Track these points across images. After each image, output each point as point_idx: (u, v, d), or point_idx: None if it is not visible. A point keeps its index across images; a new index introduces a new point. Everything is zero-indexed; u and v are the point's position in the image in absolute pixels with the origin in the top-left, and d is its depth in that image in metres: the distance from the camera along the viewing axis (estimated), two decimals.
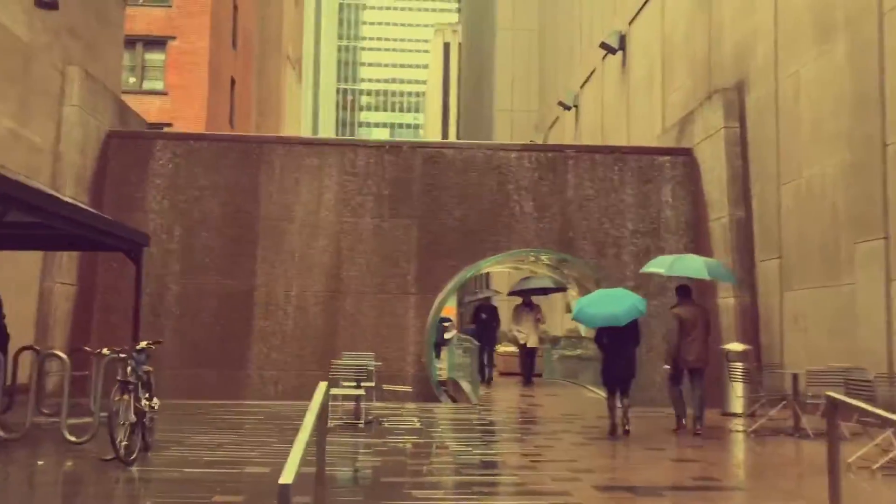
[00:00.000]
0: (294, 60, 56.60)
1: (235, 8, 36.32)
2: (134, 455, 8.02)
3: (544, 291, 21.70)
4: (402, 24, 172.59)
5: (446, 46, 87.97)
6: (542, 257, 17.92)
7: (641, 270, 14.46)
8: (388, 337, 16.67)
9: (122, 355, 8.15)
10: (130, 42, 30.69)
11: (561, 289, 21.04)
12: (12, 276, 14.26)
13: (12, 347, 11.38)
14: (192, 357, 16.54)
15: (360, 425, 11.14)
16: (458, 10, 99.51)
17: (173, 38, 31.81)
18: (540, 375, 21.41)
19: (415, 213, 17.27)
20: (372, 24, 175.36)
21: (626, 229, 17.16)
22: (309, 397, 13.83)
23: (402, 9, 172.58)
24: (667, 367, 11.86)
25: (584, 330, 23.62)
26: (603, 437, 11.03)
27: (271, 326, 16.76)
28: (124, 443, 8.15)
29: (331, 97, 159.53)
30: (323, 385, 5.21)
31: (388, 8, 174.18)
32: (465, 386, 16.11)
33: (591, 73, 28.89)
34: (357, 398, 11.46)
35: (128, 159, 17.34)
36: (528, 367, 19.71)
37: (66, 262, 15.61)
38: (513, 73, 43.43)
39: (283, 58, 49.06)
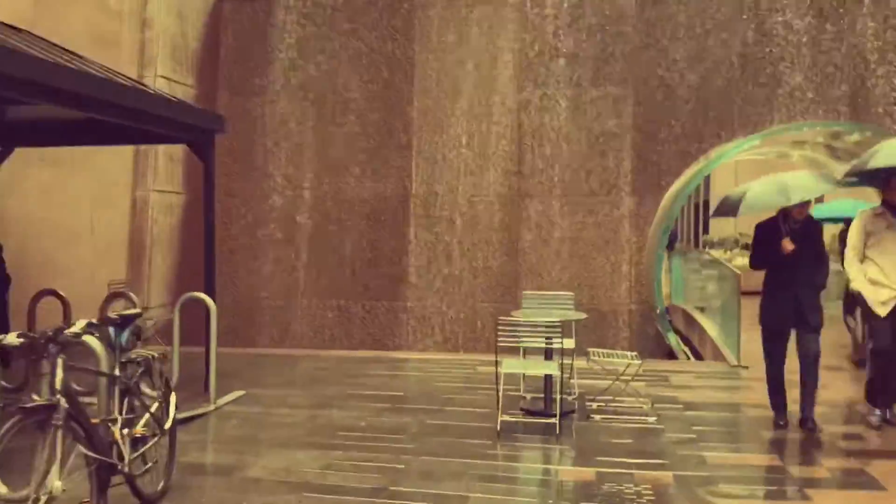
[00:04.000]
0: None
1: None
2: None
3: None
4: None
5: None
6: (819, 138, 12.19)
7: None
8: (589, 258, 11.85)
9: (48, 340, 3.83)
10: None
11: None
12: (90, 186, 10.74)
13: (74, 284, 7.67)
14: (329, 288, 12.63)
15: (551, 422, 6.54)
16: None
17: None
18: None
19: (629, 77, 12.09)
20: None
21: None
22: (481, 349, 8.65)
23: None
24: None
25: None
26: None
27: (431, 244, 12.46)
28: None
29: None
30: None
31: None
32: (709, 327, 10.95)
33: None
34: (547, 378, 6.87)
35: (245, 28, 13.32)
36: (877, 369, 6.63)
37: (165, 164, 11.94)
38: None
39: None
